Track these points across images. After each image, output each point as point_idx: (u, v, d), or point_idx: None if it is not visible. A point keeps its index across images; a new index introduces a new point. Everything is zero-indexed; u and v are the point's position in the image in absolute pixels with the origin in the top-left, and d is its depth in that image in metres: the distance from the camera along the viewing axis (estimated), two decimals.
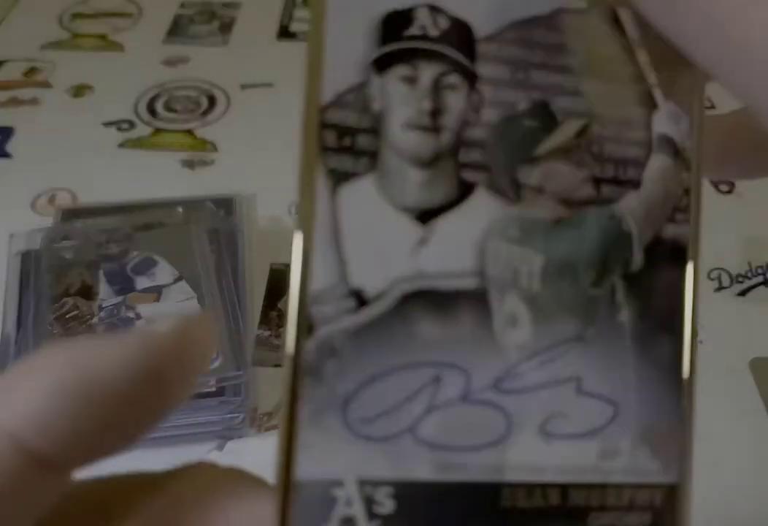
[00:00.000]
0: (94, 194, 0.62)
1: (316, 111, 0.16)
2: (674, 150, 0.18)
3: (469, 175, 0.17)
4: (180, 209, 0.55)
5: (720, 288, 0.55)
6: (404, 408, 0.16)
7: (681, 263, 0.18)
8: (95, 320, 0.45)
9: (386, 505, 0.16)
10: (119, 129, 0.69)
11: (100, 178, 0.64)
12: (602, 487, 0.17)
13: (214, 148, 0.68)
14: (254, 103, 0.72)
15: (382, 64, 0.16)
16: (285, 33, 0.81)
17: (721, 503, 0.42)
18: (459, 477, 0.16)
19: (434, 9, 0.17)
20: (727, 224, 0.60)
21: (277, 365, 0.50)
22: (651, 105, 0.18)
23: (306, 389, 0.16)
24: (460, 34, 0.17)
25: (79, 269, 0.49)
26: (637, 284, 0.18)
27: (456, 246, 0.17)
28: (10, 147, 0.67)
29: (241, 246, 0.54)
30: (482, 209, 0.17)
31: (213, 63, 0.77)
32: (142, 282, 0.48)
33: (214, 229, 0.54)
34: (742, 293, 0.53)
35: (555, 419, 0.17)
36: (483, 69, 0.17)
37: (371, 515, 0.16)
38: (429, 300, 0.16)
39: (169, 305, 0.47)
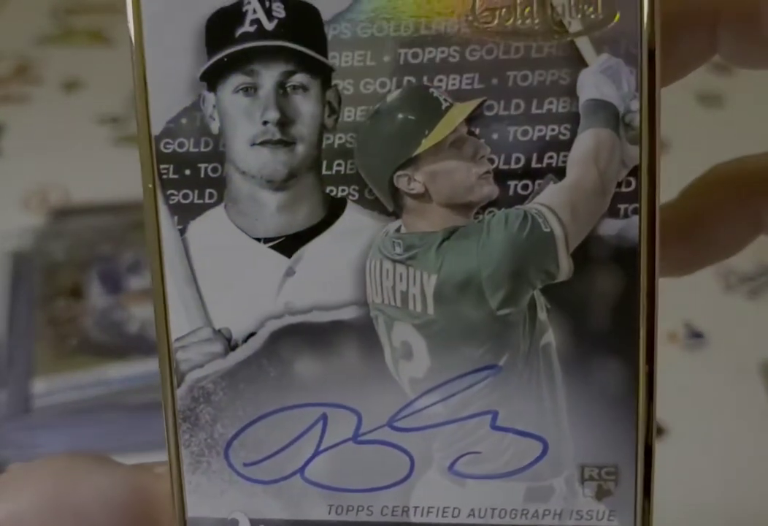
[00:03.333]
0: (86, 192, 0.59)
1: (149, 143, 0.14)
2: (613, 117, 0.14)
3: (335, 190, 0.14)
4: None
5: (728, 288, 0.46)
6: (290, 451, 0.15)
7: (627, 266, 0.14)
8: (87, 321, 0.46)
9: None
10: (112, 126, 0.66)
11: (93, 176, 0.61)
12: None
13: None
14: None
15: (214, 77, 0.14)
16: None
17: (733, 506, 0.35)
18: (359, 518, 0.15)
19: None
20: None
21: None
22: (576, 62, 0.14)
23: (185, 434, 0.15)
24: (304, 20, 0.14)
25: (71, 269, 0.48)
26: (565, 298, 0.14)
27: (328, 273, 0.15)
28: (1, 144, 0.65)
29: None
30: (356, 228, 0.15)
31: None
32: (134, 282, 0.47)
33: None
34: (752, 293, 0.46)
35: (467, 458, 0.15)
36: (337, 58, 0.14)
37: None
38: (304, 336, 0.15)
39: None
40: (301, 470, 0.15)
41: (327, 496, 0.15)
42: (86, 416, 0.42)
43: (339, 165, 0.14)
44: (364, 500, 0.15)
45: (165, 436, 0.15)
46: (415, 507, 0.15)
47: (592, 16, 0.14)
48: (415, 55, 0.14)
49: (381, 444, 0.15)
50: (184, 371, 0.15)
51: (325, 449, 0.15)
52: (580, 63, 0.14)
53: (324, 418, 0.15)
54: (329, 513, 0.15)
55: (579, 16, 0.14)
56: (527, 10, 0.14)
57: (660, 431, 0.37)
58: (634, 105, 0.14)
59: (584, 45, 0.14)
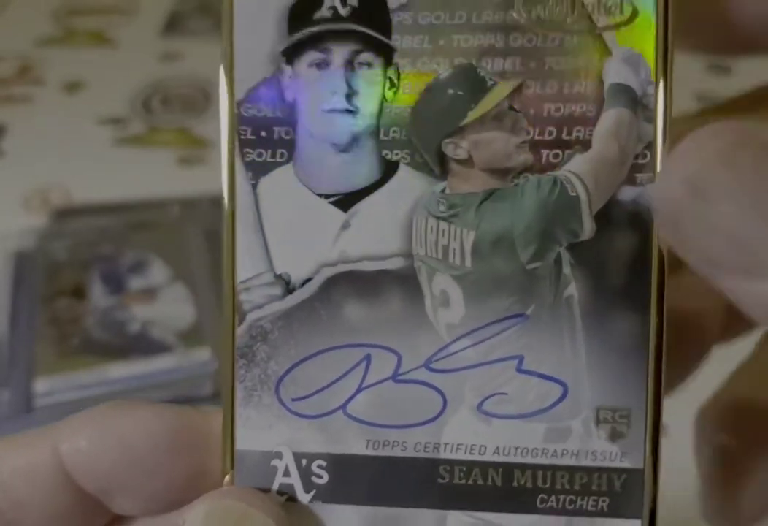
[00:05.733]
0: (88, 193, 0.59)
1: (231, 107, 0.17)
2: (632, 100, 0.16)
3: (390, 154, 0.17)
4: (175, 208, 0.53)
5: None
6: (335, 387, 0.17)
7: (642, 229, 0.16)
8: (89, 320, 0.45)
9: (322, 476, 0.17)
10: (114, 126, 0.67)
11: (95, 177, 0.61)
12: (550, 469, 0.16)
13: (210, 145, 0.65)
14: None
15: (292, 53, 0.17)
16: None
17: None
18: (393, 453, 0.17)
19: None
20: None
21: None
22: (602, 52, 0.16)
23: (240, 369, 0.17)
24: (373, 8, 0.16)
25: (73, 269, 0.48)
26: (587, 255, 0.16)
27: (379, 227, 0.17)
28: (2, 145, 0.65)
29: None
30: (406, 188, 0.17)
31: (209, 59, 0.74)
32: (136, 282, 0.47)
33: (210, 228, 0.51)
34: None
35: (494, 399, 0.16)
36: (399, 41, 0.16)
37: (308, 485, 0.17)
38: (355, 283, 0.17)
39: (164, 305, 0.46)
40: (344, 406, 0.17)
41: (366, 431, 0.17)
42: None
43: (395, 132, 0.16)
44: (399, 435, 0.17)
45: (222, 371, 0.17)
46: (446, 444, 0.17)
47: (617, 15, 0.16)
48: (466, 41, 0.16)
49: (418, 384, 0.17)
50: (245, 311, 0.17)
51: (367, 387, 0.17)
52: (606, 52, 0.16)
53: (368, 358, 0.17)
54: (366, 448, 0.17)
55: (606, 13, 0.16)
56: (563, 6, 0.16)
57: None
58: (650, 89, 0.16)
59: (610, 38, 0.16)
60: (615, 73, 0.16)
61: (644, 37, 0.16)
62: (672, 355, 0.16)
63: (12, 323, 0.47)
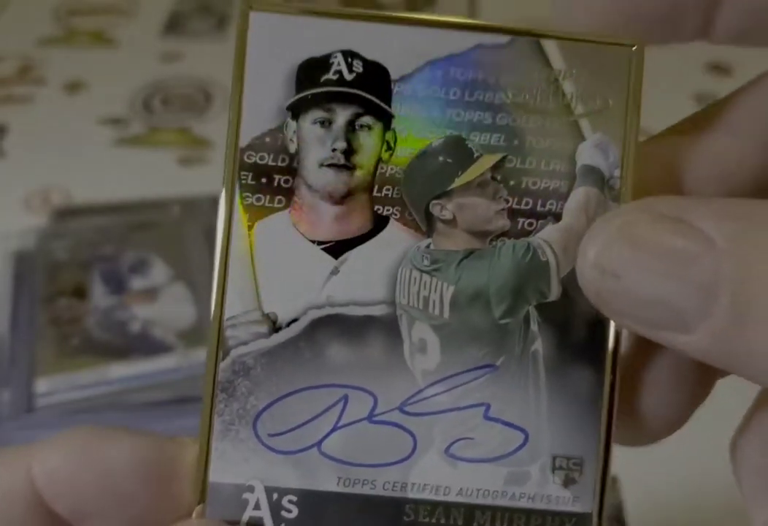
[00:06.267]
0: (88, 193, 0.60)
1: (235, 152, 0.18)
2: (600, 180, 0.18)
3: (382, 209, 0.18)
4: (176, 208, 0.53)
5: None
6: (311, 425, 0.18)
7: None
8: (90, 320, 0.46)
9: (292, 511, 0.17)
10: (114, 126, 0.67)
11: (95, 177, 0.62)
12: (508, 511, 0.18)
13: (210, 145, 0.65)
14: None
15: (298, 109, 0.18)
16: None
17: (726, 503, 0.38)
18: (363, 491, 0.17)
19: (349, 54, 0.18)
20: None
21: None
22: (577, 136, 0.18)
23: (220, 403, 0.17)
24: (375, 77, 0.18)
25: (73, 269, 0.49)
26: (554, 314, 0.18)
27: (367, 275, 0.18)
28: (3, 145, 0.65)
29: None
30: (394, 241, 0.18)
31: (210, 59, 0.73)
32: (137, 282, 0.48)
33: (211, 228, 0.51)
34: None
35: (461, 443, 0.18)
36: (398, 108, 0.18)
37: (277, 519, 0.17)
38: (339, 326, 0.18)
39: (165, 305, 0.46)
40: (319, 443, 0.18)
41: (338, 469, 0.17)
42: (88, 415, 0.41)
43: (387, 190, 0.18)
44: (369, 474, 0.18)
45: (202, 403, 0.18)
46: (413, 484, 0.18)
47: (592, 104, 0.18)
48: (457, 115, 0.18)
49: (391, 425, 0.18)
50: (230, 347, 0.18)
51: (343, 426, 0.18)
52: (581, 136, 0.18)
53: (345, 398, 0.18)
54: (337, 484, 0.17)
55: (582, 102, 0.18)
56: (546, 93, 0.18)
57: None
58: (617, 172, 0.18)
59: (584, 124, 0.18)
60: (587, 155, 0.18)
61: (615, 126, 0.18)
62: (680, 390, 0.17)
63: (13, 323, 0.47)
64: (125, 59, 0.76)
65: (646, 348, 0.18)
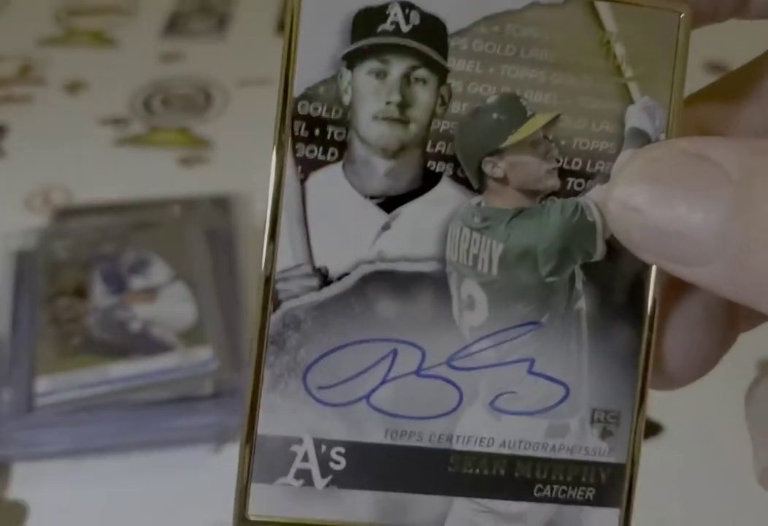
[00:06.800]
0: (89, 193, 0.60)
1: (288, 103, 0.17)
2: (646, 143, 0.18)
3: (434, 165, 0.18)
4: (176, 208, 0.53)
5: None
6: (361, 378, 0.18)
7: None
8: (90, 320, 0.45)
9: (340, 462, 0.18)
10: (114, 126, 0.67)
11: (95, 177, 0.62)
12: (548, 462, 0.18)
13: (211, 145, 0.65)
14: (252, 100, 0.68)
15: (353, 59, 0.18)
16: (283, 28, 0.76)
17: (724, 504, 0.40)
18: (410, 443, 0.18)
19: (407, 5, 0.17)
20: None
21: None
22: (626, 99, 0.18)
23: (270, 356, 0.17)
24: (432, 30, 0.18)
25: (74, 269, 0.48)
26: (598, 274, 0.18)
27: (418, 232, 0.18)
28: (3, 145, 0.65)
29: (237, 245, 0.52)
30: (446, 198, 0.18)
31: (210, 59, 0.74)
32: (137, 282, 0.47)
33: (211, 228, 0.52)
34: None
35: (505, 396, 0.18)
36: (454, 63, 0.18)
37: (325, 470, 0.18)
38: (390, 281, 0.18)
39: (165, 305, 0.46)
40: (368, 396, 0.18)
41: (385, 421, 0.18)
42: (89, 414, 0.41)
43: (441, 145, 0.18)
44: (416, 426, 0.18)
45: (253, 356, 0.17)
46: (458, 436, 0.18)
47: (640, 68, 0.18)
48: (512, 72, 0.18)
49: (438, 379, 0.18)
50: (281, 300, 0.17)
51: (391, 380, 0.18)
52: (629, 99, 0.18)
53: (394, 352, 0.18)
54: (385, 437, 0.18)
55: (632, 66, 0.18)
56: (599, 55, 0.18)
57: (656, 428, 0.41)
58: (662, 136, 0.18)
59: (633, 87, 0.18)
60: (635, 118, 0.18)
61: (661, 91, 0.18)
62: (706, 335, 0.18)
63: (13, 323, 0.46)
64: (125, 59, 0.75)
65: (675, 292, 0.19)
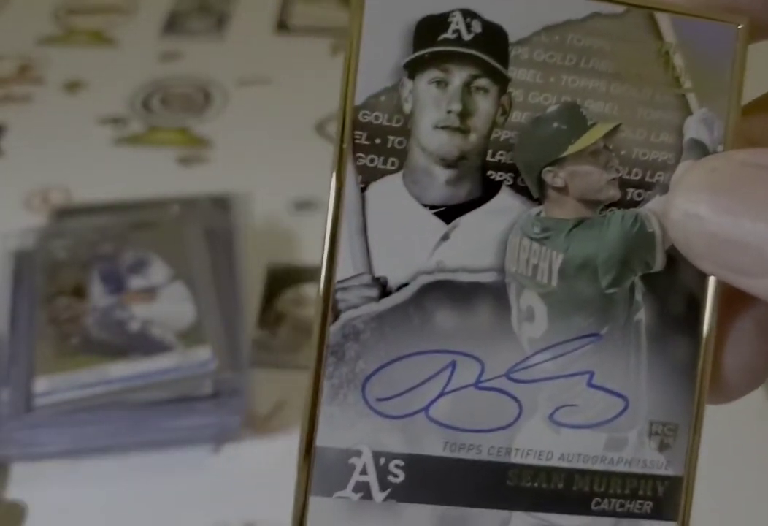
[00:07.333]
0: (88, 192, 0.60)
1: (349, 111, 0.17)
2: (704, 155, 0.18)
3: (494, 175, 0.18)
4: (175, 208, 0.53)
5: None
6: (419, 390, 0.17)
7: None
8: (89, 320, 0.45)
9: (399, 476, 0.17)
10: (114, 126, 0.66)
11: (94, 176, 0.62)
12: (606, 475, 0.18)
13: (210, 145, 0.65)
14: (251, 100, 0.68)
15: (414, 68, 0.17)
16: (282, 27, 0.76)
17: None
18: (468, 456, 0.18)
19: (469, 13, 0.17)
20: None
21: (275, 367, 0.48)
22: (685, 110, 0.18)
23: (329, 367, 0.17)
24: (494, 38, 0.18)
25: (73, 269, 0.48)
26: (657, 285, 0.18)
27: (477, 242, 0.18)
28: (2, 144, 0.65)
29: (237, 245, 0.52)
30: (505, 208, 0.18)
31: (209, 59, 0.73)
32: (136, 282, 0.47)
33: (210, 227, 0.52)
34: None
35: (564, 409, 0.18)
36: (515, 72, 0.18)
37: (384, 483, 0.17)
38: (448, 292, 0.18)
39: (164, 305, 0.46)
40: (426, 408, 0.17)
41: (444, 434, 0.18)
42: (88, 414, 0.41)
43: (501, 155, 0.18)
44: (474, 439, 0.18)
45: (312, 366, 0.17)
46: (517, 449, 0.18)
47: (699, 79, 0.18)
48: (573, 81, 0.18)
49: (497, 391, 0.18)
50: (340, 310, 0.17)
51: (450, 392, 0.18)
52: (688, 110, 0.18)
53: (453, 364, 0.18)
54: (443, 449, 0.17)
55: (691, 77, 0.18)
56: (658, 66, 0.18)
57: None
58: (720, 148, 0.18)
59: (692, 99, 0.18)
60: (693, 129, 0.18)
61: (719, 102, 0.18)
62: (758, 355, 0.18)
63: (12, 323, 0.46)
64: (125, 59, 0.75)
65: (732, 304, 0.19)
